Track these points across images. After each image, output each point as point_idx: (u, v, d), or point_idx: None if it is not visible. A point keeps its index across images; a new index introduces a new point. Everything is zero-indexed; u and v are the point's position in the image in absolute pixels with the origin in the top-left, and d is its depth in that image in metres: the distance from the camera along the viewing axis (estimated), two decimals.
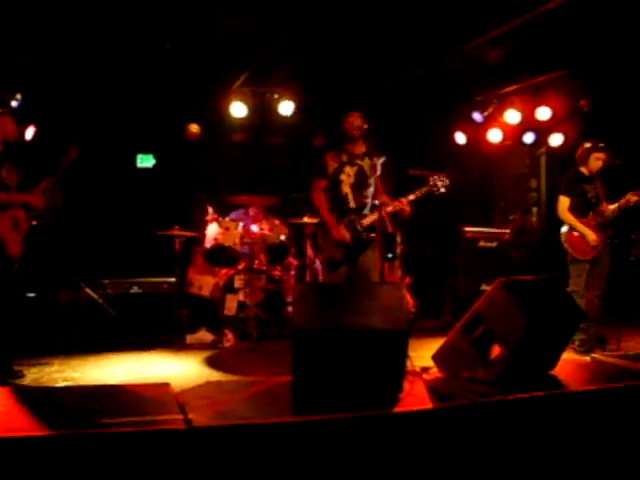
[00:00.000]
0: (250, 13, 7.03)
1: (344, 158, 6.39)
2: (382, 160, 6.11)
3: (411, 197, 6.25)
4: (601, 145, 7.48)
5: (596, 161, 7.44)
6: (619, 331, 7.42)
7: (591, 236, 7.30)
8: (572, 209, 7.45)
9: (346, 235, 6.24)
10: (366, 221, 6.27)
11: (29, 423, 3.57)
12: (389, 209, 6.15)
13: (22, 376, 6.04)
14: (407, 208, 6.23)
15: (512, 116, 10.16)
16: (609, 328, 7.57)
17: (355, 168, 6.40)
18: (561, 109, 9.85)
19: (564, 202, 7.50)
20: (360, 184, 6.37)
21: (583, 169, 7.53)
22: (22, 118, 6.69)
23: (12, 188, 5.84)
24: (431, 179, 6.26)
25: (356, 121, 6.30)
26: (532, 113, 10.04)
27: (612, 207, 7.33)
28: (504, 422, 4.29)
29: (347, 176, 6.37)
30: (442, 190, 6.29)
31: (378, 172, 6.18)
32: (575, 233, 7.42)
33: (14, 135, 5.99)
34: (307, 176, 6.57)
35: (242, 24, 7.34)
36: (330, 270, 6.31)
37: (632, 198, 7.21)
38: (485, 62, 8.52)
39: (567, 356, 5.50)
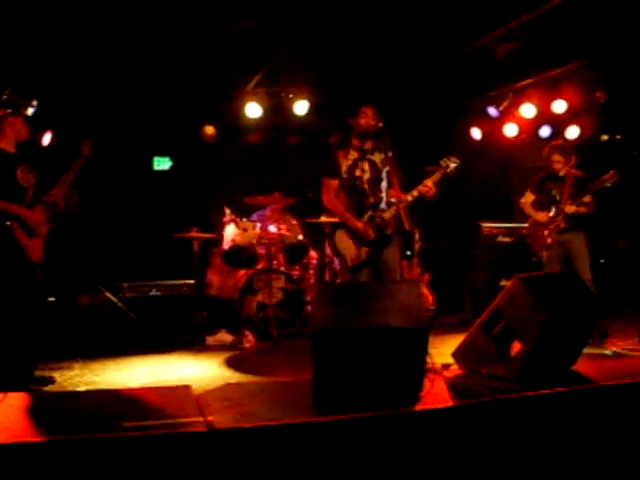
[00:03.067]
0: (258, 15, 7.03)
1: (355, 154, 6.33)
2: (390, 154, 6.08)
3: (429, 181, 6.16)
4: (563, 146, 7.93)
5: (556, 163, 7.74)
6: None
7: (543, 218, 7.73)
8: (535, 204, 7.90)
9: (369, 230, 6.17)
10: (386, 215, 6.20)
11: (51, 427, 3.58)
12: (409, 198, 6.07)
13: (53, 382, 6.00)
14: (432, 189, 6.14)
15: (528, 110, 10.09)
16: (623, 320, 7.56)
17: (368, 163, 6.34)
18: (577, 101, 9.76)
19: (527, 197, 8.02)
20: (375, 179, 6.31)
21: (551, 168, 7.82)
22: (39, 124, 6.69)
23: (30, 189, 5.83)
24: (441, 161, 6.22)
25: (370, 116, 6.25)
26: (548, 106, 9.96)
27: (572, 208, 7.52)
28: (526, 418, 4.28)
29: (363, 172, 6.32)
30: (453, 170, 6.24)
31: (388, 167, 6.19)
32: (532, 226, 7.94)
33: (26, 136, 5.95)
34: (319, 176, 6.52)
35: (250, 26, 7.35)
36: (351, 273, 6.24)
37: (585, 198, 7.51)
38: (499, 56, 8.49)
39: (588, 350, 5.46)
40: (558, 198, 7.64)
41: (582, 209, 7.48)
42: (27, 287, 5.75)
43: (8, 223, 5.53)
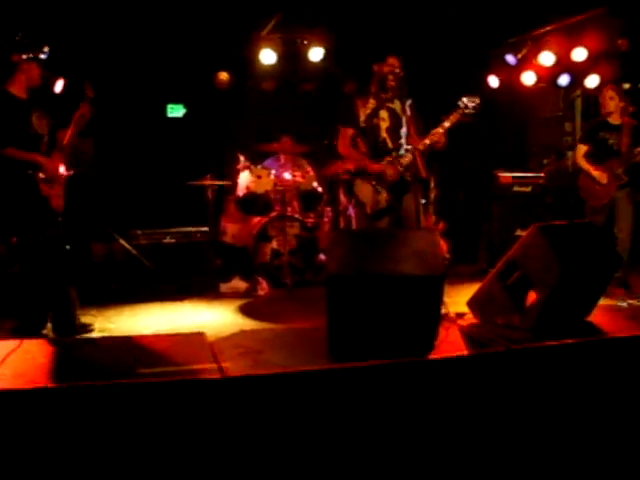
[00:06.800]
0: None
1: (374, 103, 6.27)
2: (409, 102, 6.01)
3: (444, 126, 6.03)
4: (618, 87, 7.57)
5: (609, 100, 7.37)
6: None
7: (603, 179, 7.23)
8: (590, 156, 7.41)
9: (389, 170, 6.11)
10: (404, 161, 6.12)
11: (66, 374, 3.60)
12: (421, 147, 5.99)
13: (91, 330, 5.99)
14: (442, 139, 6.05)
15: (546, 58, 9.93)
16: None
17: (387, 111, 6.28)
18: (598, 49, 9.59)
19: (581, 149, 7.55)
20: (395, 126, 6.26)
21: (607, 116, 7.43)
22: (51, 71, 6.62)
23: (45, 136, 5.80)
24: (460, 102, 6.06)
25: (395, 66, 6.15)
26: (567, 54, 9.80)
27: None
28: (539, 369, 4.26)
29: (382, 120, 6.25)
30: (473, 110, 6.07)
31: (408, 113, 6.10)
32: (587, 179, 7.39)
33: (38, 82, 5.87)
34: (335, 124, 6.46)
35: None
36: (371, 221, 6.18)
37: None
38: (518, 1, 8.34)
39: (603, 302, 5.43)
40: (616, 148, 7.25)
41: None
42: (53, 236, 5.73)
43: (30, 172, 5.51)
